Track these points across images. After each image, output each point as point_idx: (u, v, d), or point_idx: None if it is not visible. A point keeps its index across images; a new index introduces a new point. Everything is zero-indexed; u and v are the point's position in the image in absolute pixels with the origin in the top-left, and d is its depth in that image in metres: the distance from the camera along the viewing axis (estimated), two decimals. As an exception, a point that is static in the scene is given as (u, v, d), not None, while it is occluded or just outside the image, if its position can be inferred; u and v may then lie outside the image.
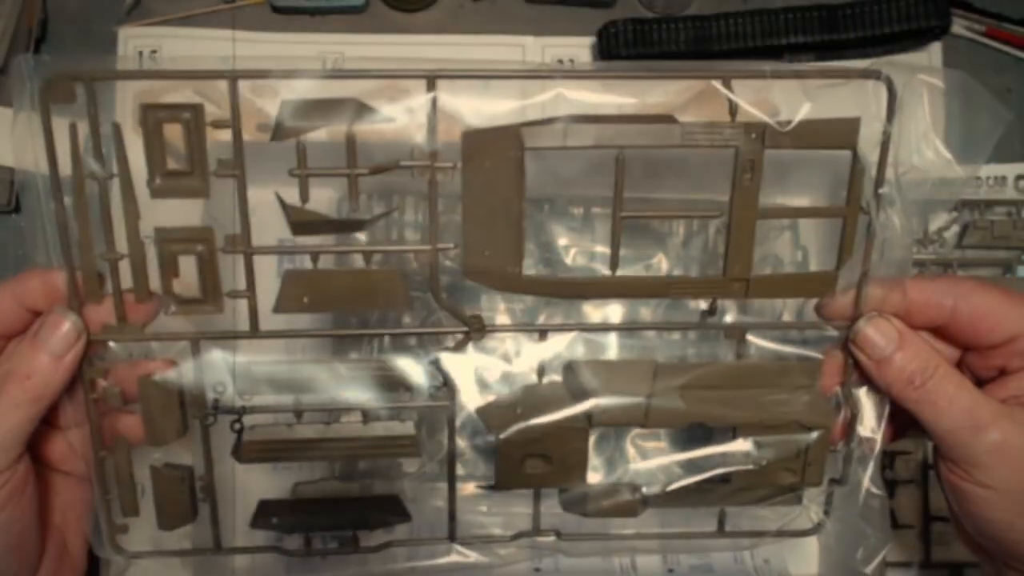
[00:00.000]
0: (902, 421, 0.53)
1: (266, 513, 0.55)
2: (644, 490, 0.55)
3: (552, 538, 0.56)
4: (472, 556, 0.56)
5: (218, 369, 0.51)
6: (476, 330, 0.52)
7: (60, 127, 0.47)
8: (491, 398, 0.53)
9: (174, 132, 0.48)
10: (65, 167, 0.47)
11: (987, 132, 0.51)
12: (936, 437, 0.50)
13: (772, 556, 0.70)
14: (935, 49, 0.72)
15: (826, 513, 0.56)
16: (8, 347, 0.50)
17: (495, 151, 0.49)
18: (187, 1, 0.73)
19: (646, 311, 0.68)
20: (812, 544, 0.70)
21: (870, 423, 0.53)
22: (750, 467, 0.53)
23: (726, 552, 0.70)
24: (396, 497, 0.56)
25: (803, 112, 0.49)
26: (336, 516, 0.55)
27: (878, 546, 0.55)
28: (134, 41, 0.71)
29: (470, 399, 0.53)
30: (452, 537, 0.56)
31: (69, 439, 0.52)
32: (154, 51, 0.71)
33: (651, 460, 0.59)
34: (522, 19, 0.75)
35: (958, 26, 0.73)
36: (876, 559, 0.55)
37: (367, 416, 0.53)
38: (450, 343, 0.53)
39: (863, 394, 0.53)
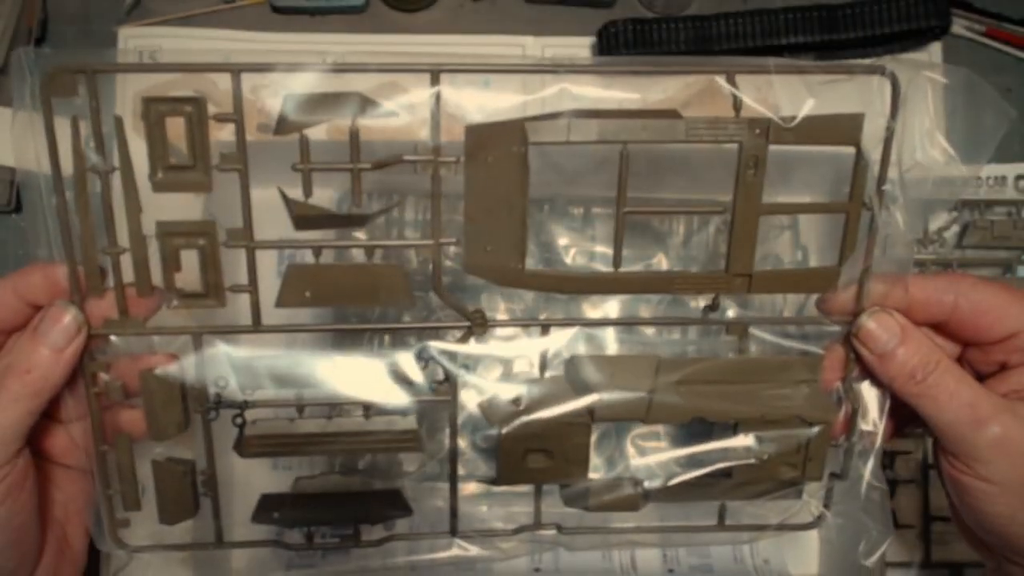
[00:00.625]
0: (902, 417, 0.53)
1: (267, 507, 0.55)
2: (646, 484, 0.55)
3: (553, 532, 0.56)
4: (473, 550, 0.56)
5: (220, 363, 0.51)
6: (478, 324, 0.52)
7: (60, 124, 0.46)
8: (492, 394, 0.53)
9: (175, 129, 0.47)
10: (66, 162, 0.47)
11: (991, 129, 0.51)
12: (937, 431, 0.50)
13: (772, 555, 0.70)
14: (935, 49, 0.73)
15: (826, 507, 0.56)
16: (9, 342, 0.50)
17: (499, 146, 0.49)
18: (187, 1, 0.73)
19: (646, 310, 0.68)
20: (812, 543, 0.71)
21: (871, 417, 0.53)
22: (751, 462, 0.53)
23: (726, 551, 0.70)
24: (397, 491, 0.56)
25: (806, 109, 0.49)
26: (337, 510, 0.55)
27: (879, 539, 0.55)
28: (134, 41, 0.71)
29: (471, 395, 0.53)
30: (453, 531, 0.56)
31: (71, 433, 0.52)
32: (154, 51, 0.71)
33: (651, 456, 0.58)
34: (522, 19, 0.75)
35: (958, 26, 0.74)
36: (877, 552, 0.55)
37: (369, 411, 0.53)
38: (451, 339, 0.53)
39: (864, 389, 0.53)
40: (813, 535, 0.70)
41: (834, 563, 0.69)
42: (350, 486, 0.56)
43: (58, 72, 0.46)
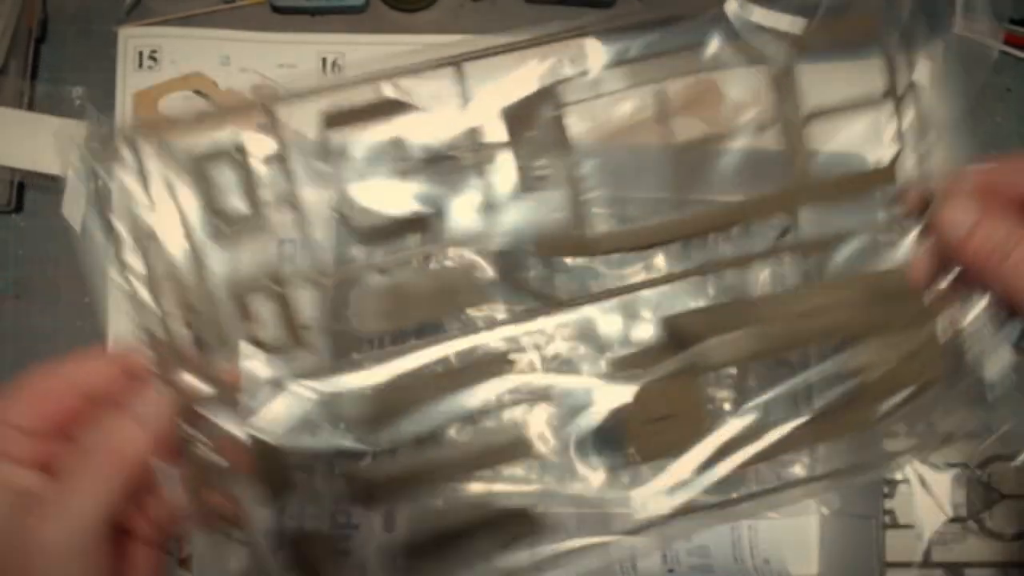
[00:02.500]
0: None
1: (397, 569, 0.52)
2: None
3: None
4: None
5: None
6: (555, 306, 0.50)
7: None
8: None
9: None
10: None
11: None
12: (1021, 311, 0.48)
13: (772, 555, 0.70)
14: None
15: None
16: (99, 415, 0.46)
17: (536, 117, 0.49)
18: (187, 1, 0.73)
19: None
20: (812, 543, 0.70)
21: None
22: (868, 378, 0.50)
23: (726, 551, 0.69)
24: (525, 511, 0.53)
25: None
26: (469, 547, 0.52)
27: None
28: (134, 41, 0.71)
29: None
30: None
31: (153, 513, 0.48)
32: (154, 51, 0.71)
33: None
34: (522, 19, 0.75)
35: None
36: None
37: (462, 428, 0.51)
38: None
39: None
40: (813, 534, 0.70)
41: (834, 563, 0.69)
42: (471, 516, 0.52)
43: (100, 145, 0.45)
